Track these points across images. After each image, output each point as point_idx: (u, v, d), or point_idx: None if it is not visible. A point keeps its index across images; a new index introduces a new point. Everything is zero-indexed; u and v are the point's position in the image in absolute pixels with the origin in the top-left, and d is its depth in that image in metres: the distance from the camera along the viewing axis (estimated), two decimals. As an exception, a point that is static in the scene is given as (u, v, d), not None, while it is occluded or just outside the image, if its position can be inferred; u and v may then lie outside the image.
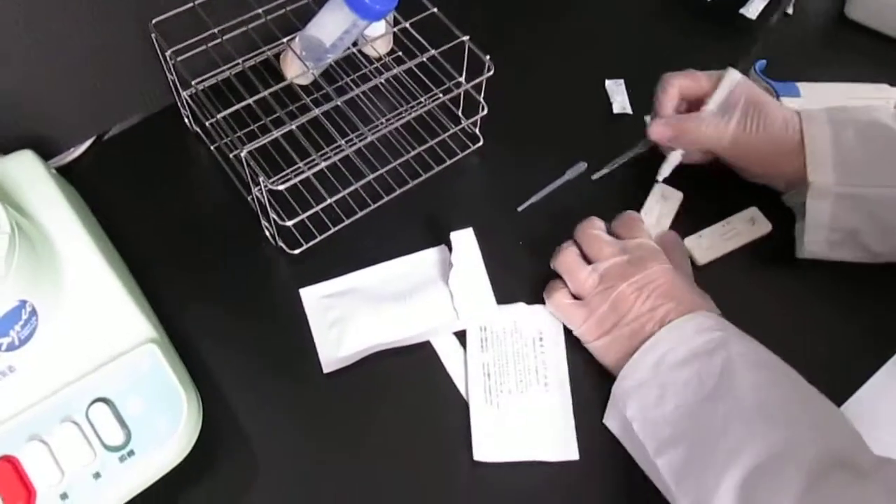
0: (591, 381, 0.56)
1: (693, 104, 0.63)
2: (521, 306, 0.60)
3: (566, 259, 0.58)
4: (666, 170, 0.65)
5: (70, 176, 0.64)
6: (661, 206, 0.65)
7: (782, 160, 0.60)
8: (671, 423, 0.49)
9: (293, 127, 0.57)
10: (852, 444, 0.46)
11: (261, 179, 0.54)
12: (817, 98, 0.69)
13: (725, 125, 0.60)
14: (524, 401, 0.56)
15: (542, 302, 0.59)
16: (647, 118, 0.67)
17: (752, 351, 0.51)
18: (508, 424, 0.55)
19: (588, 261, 0.57)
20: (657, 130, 0.63)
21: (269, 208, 0.58)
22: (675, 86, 0.62)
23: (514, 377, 0.57)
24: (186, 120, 0.69)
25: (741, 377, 0.48)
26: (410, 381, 0.57)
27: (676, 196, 0.66)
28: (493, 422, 0.55)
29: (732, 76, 0.61)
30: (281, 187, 0.55)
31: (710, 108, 0.61)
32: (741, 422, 0.46)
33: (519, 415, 0.55)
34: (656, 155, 0.66)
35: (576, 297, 0.57)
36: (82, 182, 0.64)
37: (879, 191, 0.57)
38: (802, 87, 0.70)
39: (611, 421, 0.54)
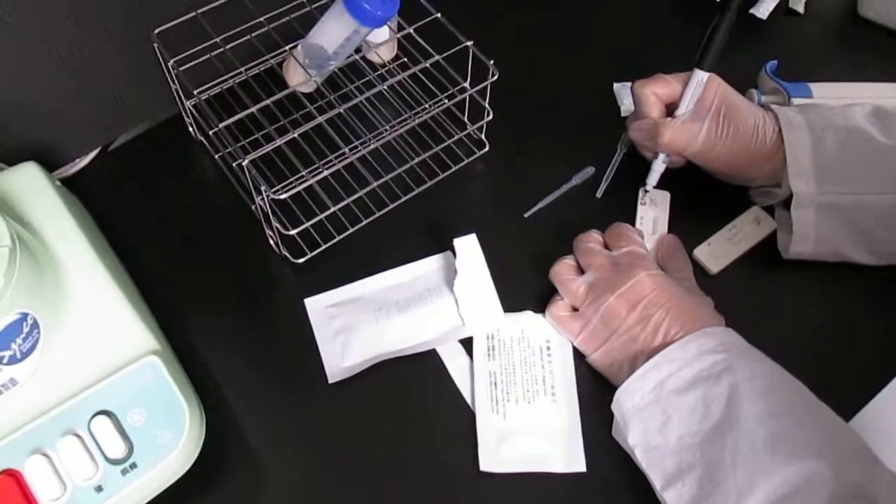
0: (600, 390, 0.55)
1: (671, 109, 0.62)
2: (528, 314, 0.59)
3: (559, 271, 0.58)
4: (653, 178, 0.64)
5: (75, 187, 0.64)
6: (653, 211, 0.64)
7: (755, 165, 0.60)
8: (676, 453, 0.48)
9: (295, 135, 0.57)
10: (867, 472, 0.44)
11: (263, 189, 0.54)
12: (830, 99, 0.68)
13: (695, 130, 0.59)
14: (531, 411, 0.55)
15: (548, 311, 0.59)
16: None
17: (759, 373, 0.49)
18: (515, 435, 0.54)
19: (583, 272, 0.57)
20: (634, 134, 0.63)
21: (272, 217, 0.58)
22: (649, 94, 0.61)
23: (521, 386, 0.56)
24: (191, 129, 0.68)
25: (748, 405, 0.47)
26: (416, 391, 0.56)
27: (664, 197, 0.65)
28: (500, 432, 0.54)
29: (697, 77, 0.59)
30: (283, 196, 0.55)
31: (680, 113, 0.60)
32: (751, 456, 0.45)
33: (526, 425, 0.54)
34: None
35: (576, 309, 0.57)
36: (87, 193, 0.64)
37: (859, 198, 0.57)
38: (814, 87, 0.69)
39: (619, 436, 0.53)
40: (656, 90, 0.61)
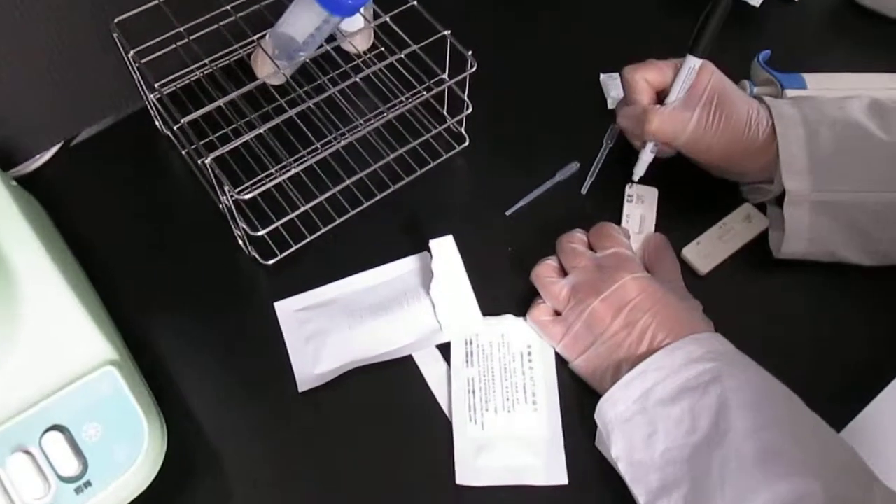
0: (583, 398, 0.53)
1: (662, 96, 0.59)
2: (509, 318, 0.56)
3: (540, 272, 0.55)
4: (640, 168, 0.62)
5: (34, 185, 0.61)
6: (639, 208, 0.62)
7: (746, 159, 0.57)
8: (661, 468, 0.45)
9: (262, 130, 0.54)
10: (860, 488, 0.42)
11: (226, 188, 0.51)
12: (825, 90, 0.65)
13: (685, 118, 0.56)
14: (511, 420, 0.52)
15: (530, 315, 0.56)
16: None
17: (749, 383, 0.47)
18: (494, 446, 0.51)
19: (566, 274, 0.55)
20: (623, 121, 0.61)
21: (239, 218, 0.55)
22: (640, 80, 0.58)
23: (500, 394, 0.53)
24: (157, 123, 0.65)
25: (737, 418, 0.44)
26: (391, 400, 0.54)
27: (651, 193, 0.62)
28: (478, 443, 0.51)
29: (689, 63, 0.56)
30: (248, 196, 0.52)
31: (670, 100, 0.57)
32: (740, 472, 0.42)
33: (505, 435, 0.52)
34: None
35: (558, 313, 0.54)
36: (47, 191, 0.61)
37: (856, 196, 0.54)
38: (809, 78, 0.66)
39: (602, 446, 0.51)
40: (647, 76, 0.58)
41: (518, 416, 0.52)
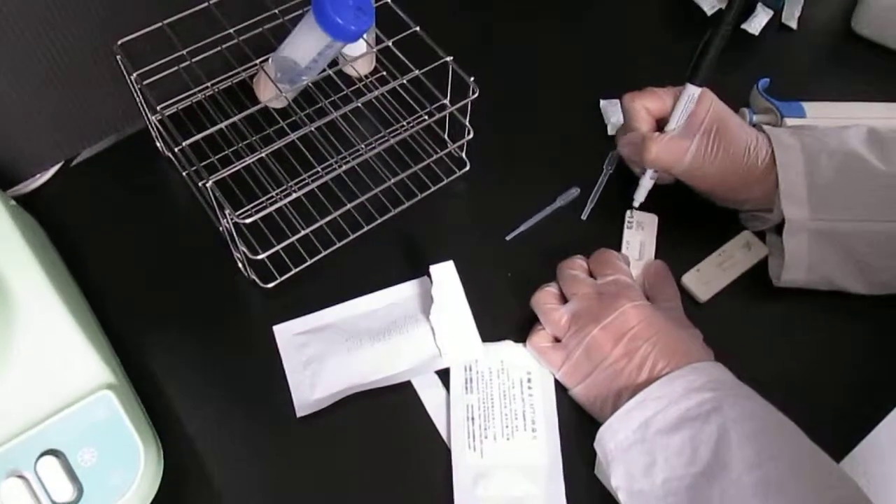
0: (584, 426, 0.52)
1: (661, 123, 0.59)
2: (508, 344, 0.56)
3: (540, 299, 0.55)
4: (641, 194, 0.62)
5: (34, 204, 0.61)
6: (639, 235, 0.62)
7: (745, 187, 0.57)
8: (661, 498, 0.45)
9: (264, 154, 0.54)
10: None
11: (227, 212, 0.51)
12: (824, 118, 0.66)
13: (684, 147, 0.56)
14: (510, 448, 0.52)
15: (530, 341, 0.56)
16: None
17: (749, 414, 0.46)
18: (493, 474, 0.51)
19: (566, 301, 0.54)
20: (622, 149, 0.61)
21: (238, 241, 0.55)
22: (639, 108, 0.59)
23: (500, 421, 0.53)
24: (158, 144, 0.65)
25: (738, 449, 0.44)
26: (389, 426, 0.53)
27: (651, 220, 0.62)
28: (476, 471, 0.51)
29: (689, 92, 0.56)
30: (248, 220, 0.52)
31: (670, 128, 0.57)
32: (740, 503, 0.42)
33: (504, 463, 0.51)
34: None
35: (558, 340, 0.54)
36: (47, 211, 0.61)
37: (855, 225, 0.54)
38: (808, 106, 0.67)
39: (602, 475, 0.50)
40: (647, 104, 0.59)
41: (517, 444, 0.52)
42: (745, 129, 0.58)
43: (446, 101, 0.61)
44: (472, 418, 0.53)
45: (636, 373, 0.50)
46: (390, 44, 0.60)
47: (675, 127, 0.57)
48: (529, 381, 0.54)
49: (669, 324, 0.52)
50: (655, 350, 0.50)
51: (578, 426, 0.53)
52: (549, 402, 0.54)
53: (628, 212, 0.63)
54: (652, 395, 0.48)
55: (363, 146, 0.59)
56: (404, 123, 0.66)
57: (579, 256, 0.57)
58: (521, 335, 0.56)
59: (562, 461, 0.52)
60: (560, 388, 0.54)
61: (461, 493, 0.50)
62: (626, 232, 0.62)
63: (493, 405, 0.53)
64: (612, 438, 0.48)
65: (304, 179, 0.62)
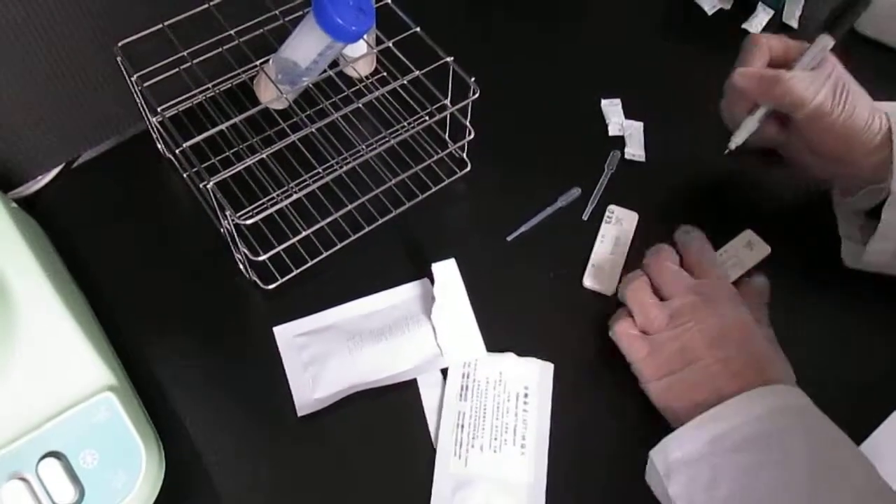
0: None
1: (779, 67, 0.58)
2: (510, 356, 0.55)
3: (638, 293, 0.54)
4: (741, 136, 0.59)
5: (35, 206, 0.61)
6: (615, 230, 0.61)
7: (856, 157, 0.55)
8: None
9: (265, 155, 0.54)
10: None
11: (228, 213, 0.51)
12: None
13: (815, 89, 0.54)
14: (496, 460, 0.51)
15: (533, 353, 0.55)
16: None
17: (821, 444, 0.46)
18: (474, 484, 0.50)
19: (657, 292, 0.54)
20: (743, 80, 0.57)
21: (239, 242, 0.55)
22: (764, 45, 0.58)
23: (489, 433, 0.52)
24: (159, 145, 0.65)
25: (802, 477, 0.43)
26: (390, 426, 0.53)
27: (632, 217, 0.62)
28: (458, 479, 0.50)
29: (823, 42, 0.55)
30: (249, 221, 0.52)
31: (801, 65, 0.56)
32: None
33: (488, 475, 0.51)
34: (644, 172, 0.62)
35: (642, 331, 0.53)
36: (47, 213, 0.61)
37: None
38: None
39: (653, 481, 0.49)
40: (772, 43, 0.58)
41: (504, 458, 0.51)
42: (867, 98, 0.56)
43: (447, 102, 0.61)
44: (462, 426, 0.52)
45: (724, 382, 0.49)
46: (391, 44, 0.60)
47: (806, 67, 0.56)
48: (526, 396, 0.54)
49: (762, 338, 0.52)
50: (746, 361, 0.49)
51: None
52: (543, 420, 0.53)
53: (609, 207, 0.63)
54: (729, 411, 0.47)
55: (364, 147, 0.59)
56: (405, 124, 0.66)
57: (667, 247, 0.56)
58: (521, 339, 0.56)
59: (546, 481, 0.51)
60: (556, 409, 0.53)
61: (439, 499, 0.50)
62: (603, 226, 0.62)
63: (486, 415, 0.53)
64: (680, 448, 0.47)
65: (304, 180, 0.62)
